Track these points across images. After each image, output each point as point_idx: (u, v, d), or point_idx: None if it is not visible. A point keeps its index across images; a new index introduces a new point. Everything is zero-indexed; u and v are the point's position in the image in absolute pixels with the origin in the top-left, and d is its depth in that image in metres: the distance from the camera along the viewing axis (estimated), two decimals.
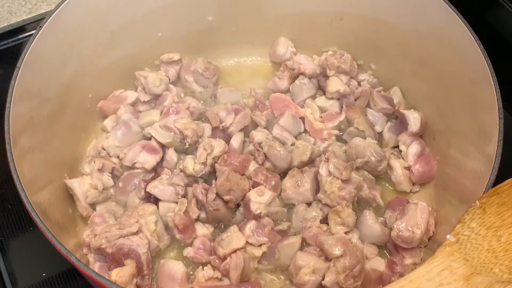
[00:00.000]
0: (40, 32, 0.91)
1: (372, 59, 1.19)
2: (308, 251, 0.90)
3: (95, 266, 0.88)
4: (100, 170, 1.00)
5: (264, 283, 0.90)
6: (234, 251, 0.88)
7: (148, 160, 0.99)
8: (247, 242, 0.89)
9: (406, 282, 0.71)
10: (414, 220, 0.92)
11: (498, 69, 0.90)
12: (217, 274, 0.88)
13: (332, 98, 1.14)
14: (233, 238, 0.89)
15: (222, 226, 0.97)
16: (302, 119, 1.10)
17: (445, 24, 0.98)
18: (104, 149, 1.03)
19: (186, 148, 1.02)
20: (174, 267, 0.88)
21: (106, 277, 0.74)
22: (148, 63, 1.18)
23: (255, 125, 1.07)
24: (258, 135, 1.02)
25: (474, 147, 0.92)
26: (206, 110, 1.08)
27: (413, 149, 1.06)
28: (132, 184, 0.99)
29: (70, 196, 0.97)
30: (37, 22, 1.26)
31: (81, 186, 0.96)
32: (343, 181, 0.97)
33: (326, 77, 1.17)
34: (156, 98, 1.14)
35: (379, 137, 1.12)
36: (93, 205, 0.98)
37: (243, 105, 1.11)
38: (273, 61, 1.26)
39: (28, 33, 1.24)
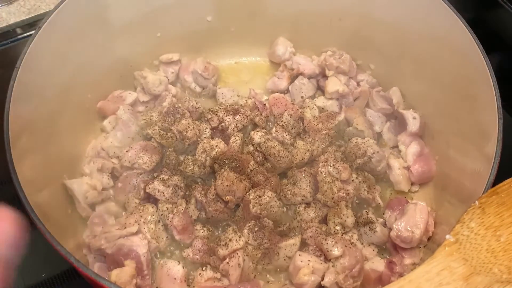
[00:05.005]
0: (39, 32, 0.91)
1: (371, 59, 1.19)
2: (307, 251, 0.90)
3: (94, 267, 0.88)
4: (100, 170, 1.00)
5: (264, 283, 0.90)
6: (234, 252, 0.88)
7: (148, 160, 0.99)
8: (246, 243, 0.89)
9: (405, 282, 0.71)
10: (413, 220, 0.92)
11: (497, 69, 0.89)
12: (217, 275, 0.88)
13: (331, 98, 1.14)
14: (233, 238, 0.89)
15: (222, 226, 0.97)
16: (301, 119, 1.10)
17: (444, 24, 0.98)
18: (103, 150, 1.03)
19: (185, 148, 1.02)
20: (173, 267, 0.88)
21: (106, 278, 0.74)
22: (148, 63, 1.18)
23: (254, 125, 1.07)
24: (258, 135, 1.02)
25: (473, 147, 0.92)
26: (205, 111, 1.08)
27: (412, 149, 1.06)
28: (131, 184, 0.99)
29: (69, 197, 0.97)
30: (36, 22, 1.25)
31: (80, 187, 0.96)
32: (342, 181, 0.97)
33: (325, 77, 1.17)
34: (155, 99, 1.14)
35: (378, 137, 1.12)
36: (92, 206, 0.98)
37: (243, 105, 1.11)
38: (272, 61, 1.26)
39: (27, 34, 1.24)
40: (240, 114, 1.06)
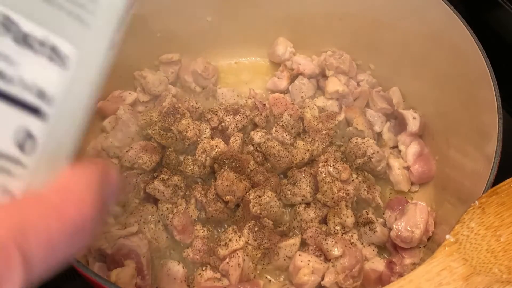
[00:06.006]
0: None
1: (371, 59, 1.20)
2: (307, 251, 0.91)
3: (94, 267, 0.88)
4: None
5: (264, 283, 0.90)
6: (234, 252, 0.88)
7: (148, 160, 0.99)
8: (246, 243, 0.89)
9: (405, 282, 0.71)
10: (413, 220, 0.92)
11: (497, 69, 0.90)
12: (217, 275, 0.88)
13: (331, 98, 1.14)
14: (233, 238, 0.89)
15: (222, 226, 0.97)
16: (301, 119, 1.10)
17: (444, 24, 0.98)
18: (103, 150, 1.03)
19: (185, 148, 1.02)
20: (173, 267, 0.88)
21: (106, 278, 0.74)
22: (148, 63, 1.18)
23: (254, 126, 1.07)
24: (257, 135, 1.02)
25: (473, 147, 0.93)
26: (205, 111, 1.08)
27: (412, 149, 1.07)
28: (131, 184, 0.99)
29: None
30: None
31: None
32: (342, 181, 0.97)
33: (325, 77, 1.17)
34: (155, 99, 1.14)
35: (378, 137, 1.12)
36: None
37: (242, 105, 1.11)
38: (272, 61, 1.26)
39: None
40: (240, 114, 1.06)
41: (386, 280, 0.89)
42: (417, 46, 1.07)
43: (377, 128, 1.12)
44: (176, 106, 1.06)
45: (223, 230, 0.95)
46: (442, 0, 0.98)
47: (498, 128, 0.85)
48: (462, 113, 0.98)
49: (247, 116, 1.06)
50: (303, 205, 0.96)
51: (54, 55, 0.34)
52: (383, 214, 0.99)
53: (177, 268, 0.88)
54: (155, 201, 0.95)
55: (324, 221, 0.96)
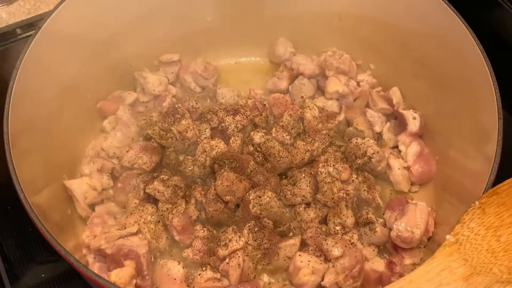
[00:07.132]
0: (38, 33, 0.91)
1: (371, 60, 1.20)
2: (307, 251, 0.90)
3: (94, 267, 0.88)
4: (99, 170, 1.00)
5: (263, 283, 0.90)
6: (234, 252, 0.88)
7: (147, 160, 0.99)
8: (246, 243, 0.89)
9: (405, 282, 0.71)
10: (413, 221, 0.92)
11: (497, 70, 0.90)
12: (217, 275, 0.88)
13: (331, 98, 1.14)
14: (233, 239, 0.89)
15: (222, 227, 0.97)
16: (301, 119, 1.10)
17: (445, 25, 0.98)
18: (103, 150, 1.04)
19: (185, 148, 1.02)
20: (173, 267, 0.88)
21: (106, 278, 0.74)
22: (148, 63, 1.18)
23: (254, 126, 1.07)
24: (258, 135, 1.02)
25: (474, 147, 0.93)
26: (205, 111, 1.08)
27: (412, 149, 1.07)
28: (131, 184, 0.99)
29: (69, 197, 0.97)
30: (36, 22, 1.26)
31: (80, 187, 0.96)
32: (342, 181, 0.97)
33: (325, 77, 1.17)
34: (155, 99, 1.14)
35: (378, 137, 1.12)
36: (92, 206, 0.98)
37: (243, 105, 1.11)
38: (272, 61, 1.26)
39: (27, 34, 1.24)
40: (240, 114, 1.06)
41: (386, 280, 0.89)
42: (417, 46, 1.07)
43: (377, 128, 1.12)
44: (176, 106, 1.06)
45: (223, 230, 0.95)
46: (442, 0, 0.98)
47: (498, 128, 0.85)
48: (462, 113, 0.98)
49: (247, 116, 1.06)
50: (303, 205, 0.96)
51: None
52: (383, 214, 0.99)
53: (177, 268, 0.88)
54: (155, 201, 0.95)
55: (324, 221, 0.96)
